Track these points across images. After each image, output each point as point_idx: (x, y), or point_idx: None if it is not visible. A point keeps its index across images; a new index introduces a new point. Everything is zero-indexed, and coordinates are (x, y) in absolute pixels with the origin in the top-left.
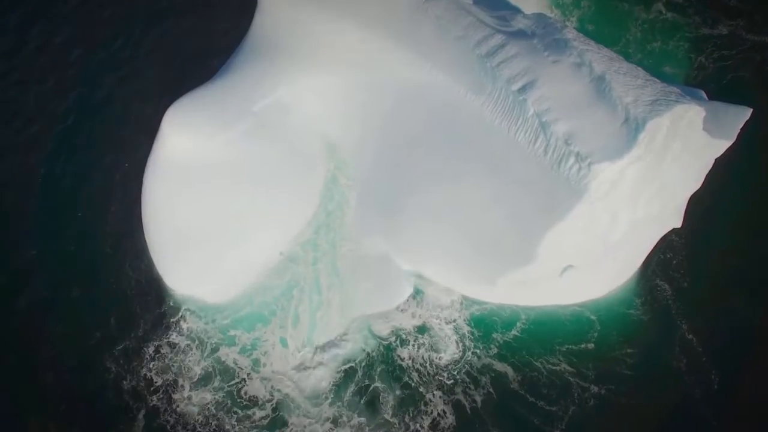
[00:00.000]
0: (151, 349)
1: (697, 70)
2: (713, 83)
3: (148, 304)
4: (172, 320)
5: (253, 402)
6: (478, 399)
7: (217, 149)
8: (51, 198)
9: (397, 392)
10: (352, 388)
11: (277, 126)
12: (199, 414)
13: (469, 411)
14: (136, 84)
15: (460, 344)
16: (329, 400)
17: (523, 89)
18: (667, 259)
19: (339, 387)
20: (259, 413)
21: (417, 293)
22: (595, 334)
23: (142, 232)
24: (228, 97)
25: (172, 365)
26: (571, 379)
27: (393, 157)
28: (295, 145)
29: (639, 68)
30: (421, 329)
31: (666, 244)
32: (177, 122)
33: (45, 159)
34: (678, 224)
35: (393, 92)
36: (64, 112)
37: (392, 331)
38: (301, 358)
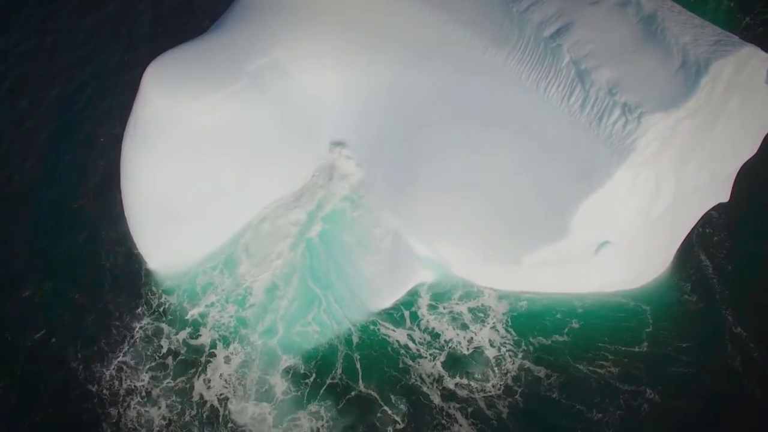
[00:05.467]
0: (123, 348)
1: (741, 31)
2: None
3: (127, 288)
4: (150, 309)
5: (234, 407)
6: (505, 411)
7: (205, 111)
8: (22, 177)
9: (405, 404)
10: (348, 397)
11: (273, 88)
12: (165, 421)
13: (496, 424)
14: (118, 44)
15: (484, 342)
16: (319, 411)
17: (556, 34)
18: (707, 239)
19: (334, 394)
20: (236, 419)
21: (431, 278)
22: (634, 329)
23: (121, 203)
24: (218, 54)
25: (143, 366)
26: (615, 382)
27: (402, 124)
28: (292, 110)
29: (691, 12)
30: (435, 323)
31: (706, 221)
32: (159, 80)
33: (18, 134)
34: (725, 198)
35: (403, 50)
36: (37, 76)
37: (400, 324)
38: (289, 356)
